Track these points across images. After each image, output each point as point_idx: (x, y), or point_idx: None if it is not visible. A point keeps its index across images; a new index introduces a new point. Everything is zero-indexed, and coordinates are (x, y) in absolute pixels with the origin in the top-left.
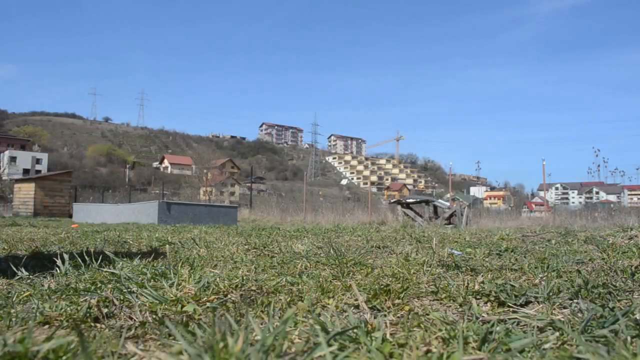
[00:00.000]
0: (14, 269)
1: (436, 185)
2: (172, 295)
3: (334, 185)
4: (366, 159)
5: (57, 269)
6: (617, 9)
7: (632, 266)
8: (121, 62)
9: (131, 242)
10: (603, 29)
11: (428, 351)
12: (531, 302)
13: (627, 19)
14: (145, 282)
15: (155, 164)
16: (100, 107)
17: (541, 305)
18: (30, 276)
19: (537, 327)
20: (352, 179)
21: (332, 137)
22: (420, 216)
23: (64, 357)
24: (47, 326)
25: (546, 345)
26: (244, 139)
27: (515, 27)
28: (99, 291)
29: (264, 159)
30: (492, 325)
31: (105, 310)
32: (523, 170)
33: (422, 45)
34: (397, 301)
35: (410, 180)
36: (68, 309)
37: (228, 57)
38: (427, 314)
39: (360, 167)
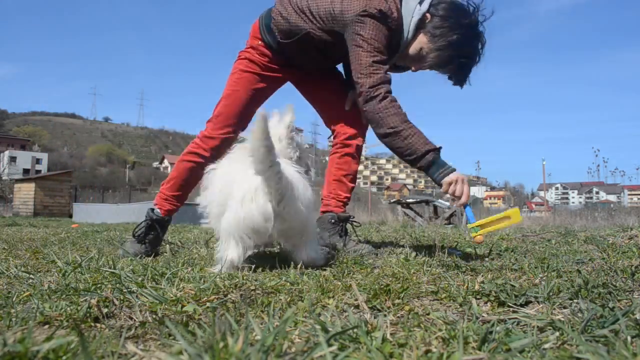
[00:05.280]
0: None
1: (436, 185)
2: (172, 295)
3: None
4: (366, 158)
5: (57, 268)
6: (617, 8)
7: (632, 266)
8: (121, 62)
9: None
10: (603, 29)
11: (428, 351)
12: (531, 302)
13: (627, 19)
14: (145, 282)
15: (155, 164)
16: (100, 107)
17: (541, 305)
18: (31, 276)
19: (537, 327)
20: None
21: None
22: (420, 216)
23: (64, 357)
24: (47, 326)
25: (546, 345)
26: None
27: (515, 28)
28: (99, 291)
29: None
30: (492, 325)
31: (105, 310)
32: (523, 170)
33: None
34: (397, 301)
35: (410, 180)
36: (68, 309)
37: (228, 57)
38: (427, 314)
39: (360, 167)
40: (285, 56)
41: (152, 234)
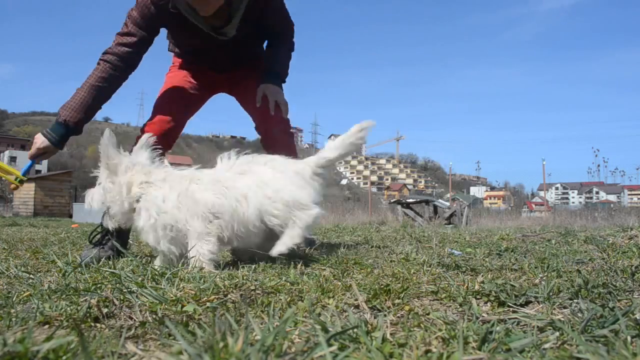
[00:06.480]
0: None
1: (436, 185)
2: (172, 295)
3: (334, 185)
4: (366, 158)
5: (57, 268)
6: (616, 8)
7: (632, 266)
8: None
9: (131, 242)
10: (602, 29)
11: (428, 351)
12: (531, 302)
13: (627, 19)
14: (145, 282)
15: None
16: None
17: (541, 305)
18: (30, 276)
19: (537, 327)
20: (352, 178)
21: (332, 137)
22: (420, 216)
23: (64, 357)
24: (47, 326)
25: (546, 345)
26: (244, 138)
27: (515, 27)
28: (99, 291)
29: None
30: (492, 325)
31: (105, 310)
32: (523, 170)
33: (422, 45)
34: (397, 301)
35: (410, 180)
36: (68, 309)
37: None
38: (427, 314)
39: (360, 167)
40: (183, 53)
41: (108, 237)
